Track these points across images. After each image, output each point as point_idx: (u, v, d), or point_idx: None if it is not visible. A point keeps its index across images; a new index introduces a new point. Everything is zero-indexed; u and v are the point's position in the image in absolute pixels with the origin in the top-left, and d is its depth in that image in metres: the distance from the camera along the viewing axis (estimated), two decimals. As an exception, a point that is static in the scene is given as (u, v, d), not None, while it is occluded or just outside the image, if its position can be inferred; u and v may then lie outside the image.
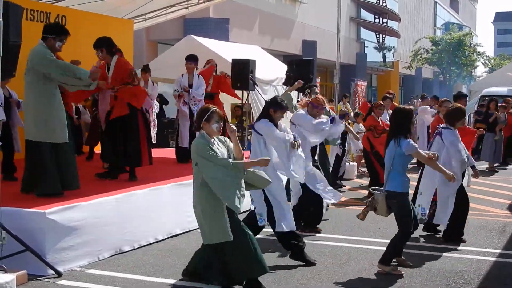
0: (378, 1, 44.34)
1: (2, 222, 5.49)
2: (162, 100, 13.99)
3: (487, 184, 12.36)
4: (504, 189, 11.92)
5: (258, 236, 6.82)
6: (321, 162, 8.38)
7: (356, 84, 20.83)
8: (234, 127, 5.34)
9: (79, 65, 7.09)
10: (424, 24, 59.92)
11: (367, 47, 43.21)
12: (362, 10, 42.52)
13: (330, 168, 10.05)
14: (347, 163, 12.76)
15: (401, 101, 42.68)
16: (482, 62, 56.40)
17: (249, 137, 13.09)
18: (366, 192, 10.70)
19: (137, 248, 6.89)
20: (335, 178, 11.79)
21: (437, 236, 7.71)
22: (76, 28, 10.76)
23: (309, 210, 7.80)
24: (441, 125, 7.52)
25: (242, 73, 10.98)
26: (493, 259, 6.71)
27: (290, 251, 6.41)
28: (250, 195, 6.20)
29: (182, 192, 7.53)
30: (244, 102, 12.42)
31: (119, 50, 8.09)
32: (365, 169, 12.40)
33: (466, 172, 8.01)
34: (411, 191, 6.60)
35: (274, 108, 6.39)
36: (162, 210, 7.34)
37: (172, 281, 5.75)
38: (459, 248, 7.15)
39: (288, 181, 7.25)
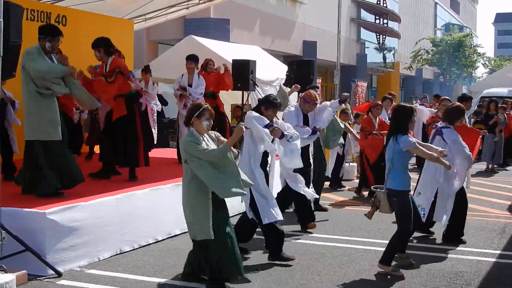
0: (378, 2, 44.39)
1: (2, 222, 5.50)
2: (161, 101, 13.96)
3: (487, 185, 12.36)
4: (504, 190, 11.91)
5: (255, 236, 6.84)
6: (317, 159, 8.46)
7: (356, 84, 20.76)
8: (244, 129, 5.35)
9: (67, 60, 7.07)
10: (425, 25, 59.98)
11: (367, 47, 43.25)
12: (362, 11, 42.57)
13: (327, 167, 10.10)
14: (346, 164, 12.75)
15: (401, 102, 42.63)
16: (482, 63, 56.49)
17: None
18: (365, 192, 10.68)
19: (137, 248, 6.89)
20: (336, 178, 11.80)
21: (430, 238, 7.62)
22: (76, 28, 10.79)
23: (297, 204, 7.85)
24: (439, 124, 7.39)
25: (243, 74, 10.96)
26: (493, 260, 6.71)
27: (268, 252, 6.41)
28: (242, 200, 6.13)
29: (182, 192, 7.52)
30: (244, 103, 12.40)
31: (117, 51, 8.07)
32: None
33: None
34: (411, 192, 6.59)
35: (266, 106, 6.37)
36: (162, 211, 7.33)
37: (172, 282, 5.75)
38: (459, 249, 7.14)
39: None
